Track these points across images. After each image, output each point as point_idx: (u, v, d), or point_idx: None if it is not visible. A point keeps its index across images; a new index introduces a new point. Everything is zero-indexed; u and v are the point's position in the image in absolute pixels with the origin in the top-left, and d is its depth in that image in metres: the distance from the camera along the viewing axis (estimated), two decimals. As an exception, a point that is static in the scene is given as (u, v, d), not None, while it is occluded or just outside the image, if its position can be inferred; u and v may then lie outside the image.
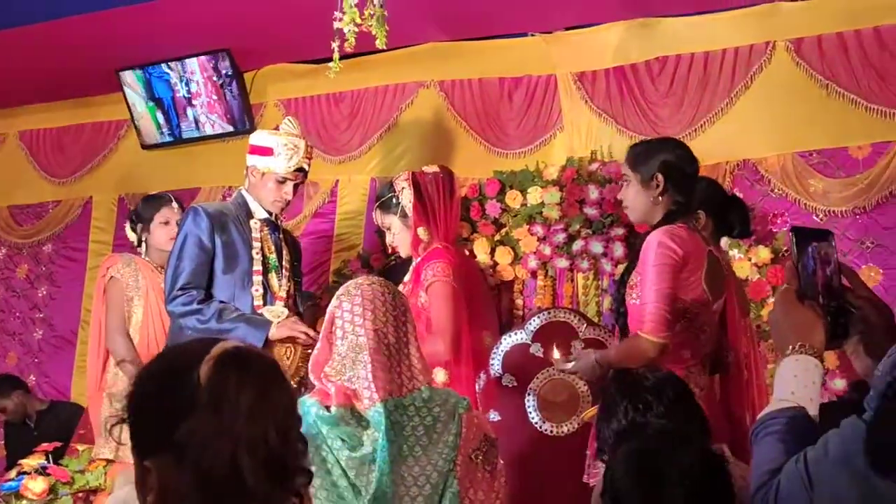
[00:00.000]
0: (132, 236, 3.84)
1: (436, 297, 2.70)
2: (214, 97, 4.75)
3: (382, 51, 3.91)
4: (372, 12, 2.47)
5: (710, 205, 2.76)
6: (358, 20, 2.46)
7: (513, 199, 4.08)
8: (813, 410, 1.24)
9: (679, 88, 3.93)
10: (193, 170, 4.94)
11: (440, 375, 2.81)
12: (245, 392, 1.10)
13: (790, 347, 1.28)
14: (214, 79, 4.70)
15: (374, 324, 2.04)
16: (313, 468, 1.88)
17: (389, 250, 3.09)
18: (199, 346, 1.16)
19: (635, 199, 2.62)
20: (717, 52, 3.87)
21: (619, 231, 3.83)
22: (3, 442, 4.86)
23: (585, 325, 3.55)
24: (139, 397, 1.17)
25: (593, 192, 3.90)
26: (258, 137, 3.19)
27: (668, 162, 2.58)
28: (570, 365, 2.67)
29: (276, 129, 3.21)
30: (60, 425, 4.47)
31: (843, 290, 1.35)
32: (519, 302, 4.12)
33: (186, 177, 4.91)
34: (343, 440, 1.95)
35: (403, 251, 2.99)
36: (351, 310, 2.06)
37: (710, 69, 3.87)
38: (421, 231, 2.85)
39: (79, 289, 5.12)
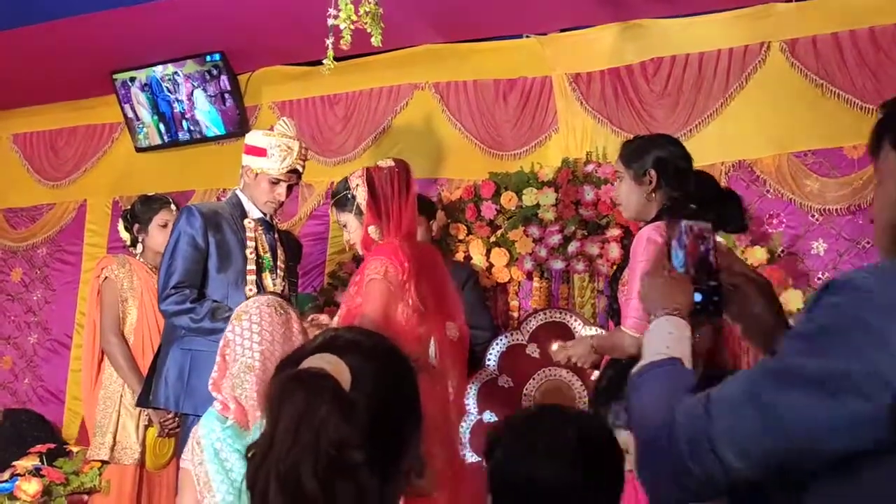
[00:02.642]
0: (126, 236, 3.82)
1: (367, 295, 2.61)
2: (208, 100, 4.75)
3: (377, 52, 3.94)
4: (367, 10, 2.47)
5: (704, 200, 2.75)
6: (353, 17, 2.45)
7: (508, 200, 4.07)
8: (688, 365, 1.27)
9: (674, 89, 3.93)
10: (187, 172, 4.93)
11: None
12: None
13: (660, 310, 1.34)
14: (208, 81, 4.69)
15: (261, 345, 2.14)
16: (212, 466, 1.96)
17: (347, 248, 3.01)
18: None
19: (628, 196, 2.62)
20: (711, 53, 3.87)
21: (615, 232, 3.83)
22: None
23: (582, 325, 3.54)
24: None
25: (589, 194, 3.90)
26: (253, 138, 3.17)
27: (660, 157, 2.58)
28: (567, 348, 2.67)
29: (271, 129, 3.19)
30: (11, 439, 4.40)
31: (716, 269, 1.39)
32: (514, 303, 4.11)
33: (180, 179, 4.90)
34: (239, 451, 2.02)
35: (359, 249, 2.90)
36: (241, 333, 2.17)
37: (705, 70, 3.87)
38: (372, 229, 2.75)
39: (73, 292, 5.10)
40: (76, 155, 5.24)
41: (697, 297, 1.37)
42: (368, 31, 2.50)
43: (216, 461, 1.98)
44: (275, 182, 3.12)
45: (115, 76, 4.81)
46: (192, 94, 4.74)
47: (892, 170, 1.20)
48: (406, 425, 1.16)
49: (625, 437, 1.55)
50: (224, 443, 2.01)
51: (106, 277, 3.69)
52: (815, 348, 1.02)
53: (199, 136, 4.83)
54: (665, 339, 1.29)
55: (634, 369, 1.28)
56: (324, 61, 2.65)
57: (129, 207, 3.87)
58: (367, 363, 1.12)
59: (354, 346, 1.15)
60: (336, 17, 2.47)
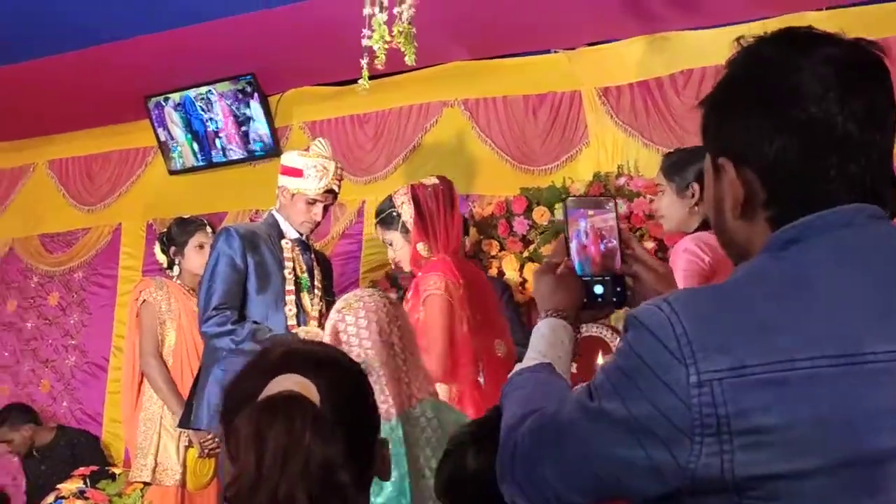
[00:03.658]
0: (162, 258, 3.85)
1: (428, 311, 2.65)
2: (240, 121, 4.80)
3: (406, 71, 3.97)
4: (400, 30, 2.49)
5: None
6: (387, 38, 2.48)
7: (540, 215, 4.08)
8: (562, 367, 1.24)
9: (705, 101, 3.91)
10: (220, 194, 4.98)
11: (442, 392, 2.77)
12: None
13: (543, 313, 1.30)
14: (240, 103, 4.75)
15: (381, 335, 2.05)
16: None
17: (392, 266, 3.04)
18: None
19: (670, 209, 2.60)
20: (742, 64, 3.85)
21: (649, 245, 3.82)
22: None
23: (618, 338, 3.53)
24: None
25: (621, 207, 3.89)
26: (289, 158, 3.21)
27: (702, 170, 2.55)
28: None
29: (307, 150, 3.23)
30: (65, 459, 4.45)
31: (619, 260, 1.34)
32: (548, 318, 4.10)
33: (213, 201, 4.94)
34: None
35: (406, 266, 2.94)
36: (356, 322, 2.06)
37: (736, 81, 3.85)
38: (420, 246, 2.80)
39: (110, 315, 5.15)
40: (111, 179, 5.31)
41: (598, 289, 1.32)
42: (402, 50, 2.52)
43: None
44: (311, 202, 3.15)
45: (150, 99, 4.88)
46: (224, 116, 4.79)
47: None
48: (372, 430, 1.15)
49: None
50: None
51: (144, 300, 3.73)
52: (615, 389, 0.98)
53: (232, 156, 4.88)
54: (538, 343, 1.26)
55: (510, 375, 1.27)
56: (359, 81, 2.67)
57: (165, 230, 3.90)
58: (329, 376, 1.09)
59: (312, 360, 1.12)
60: (370, 37, 2.49)
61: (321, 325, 3.12)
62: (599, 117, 4.15)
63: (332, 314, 2.13)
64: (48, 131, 5.36)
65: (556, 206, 4.04)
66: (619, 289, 1.33)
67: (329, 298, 3.35)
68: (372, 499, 1.93)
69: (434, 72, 4.44)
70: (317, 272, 3.27)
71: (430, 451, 1.99)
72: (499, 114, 4.38)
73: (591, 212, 1.35)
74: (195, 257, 3.67)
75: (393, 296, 4.13)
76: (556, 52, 4.27)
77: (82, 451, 4.32)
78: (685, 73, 3.97)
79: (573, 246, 1.34)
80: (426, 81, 4.45)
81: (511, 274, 4.07)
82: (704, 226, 2.51)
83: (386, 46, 2.50)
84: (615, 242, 1.34)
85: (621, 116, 4.10)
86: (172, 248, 3.79)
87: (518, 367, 1.26)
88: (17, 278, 5.49)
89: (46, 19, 4.05)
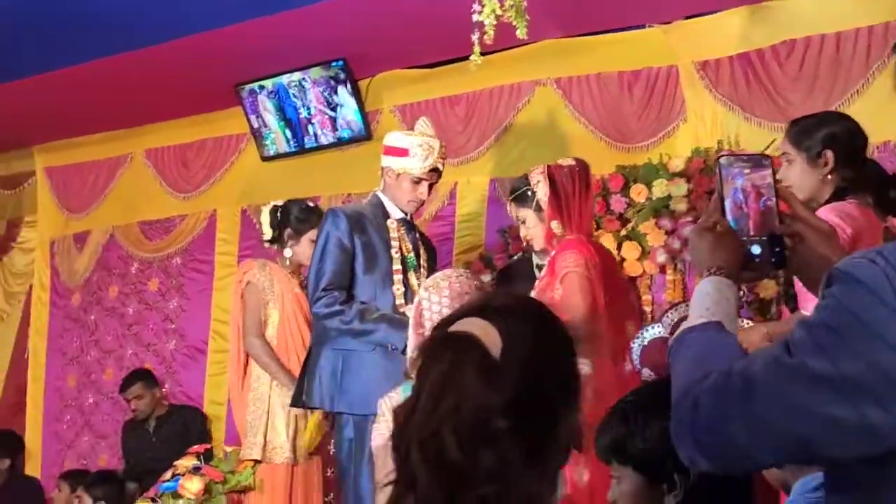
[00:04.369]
0: (268, 231, 3.83)
1: (568, 288, 2.66)
2: (331, 106, 4.84)
3: (497, 51, 3.94)
4: (512, 3, 2.47)
5: (875, 186, 2.63)
6: (498, 11, 2.46)
7: (638, 193, 4.02)
8: (730, 325, 1.19)
9: (809, 72, 3.80)
10: (312, 179, 5.03)
11: (585, 367, 2.76)
12: None
13: (704, 272, 1.26)
14: (332, 88, 4.78)
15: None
16: None
17: (524, 243, 3.08)
18: None
19: (801, 180, 2.48)
20: (849, 32, 3.73)
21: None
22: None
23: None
24: None
25: (722, 183, 3.80)
26: (393, 139, 3.23)
27: (834, 134, 2.45)
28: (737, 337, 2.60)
29: (411, 129, 3.24)
30: (175, 435, 4.58)
31: (777, 219, 1.27)
32: (647, 297, 4.05)
33: (306, 186, 4.99)
34: None
35: (538, 244, 2.98)
36: (439, 301, 2.13)
37: (843, 50, 3.74)
38: (555, 224, 2.83)
39: (207, 300, 5.27)
40: (205, 167, 5.42)
41: (755, 249, 1.27)
42: (513, 24, 2.51)
43: None
44: (417, 181, 3.17)
45: (241, 86, 4.95)
46: (316, 102, 4.84)
47: None
48: (559, 396, 1.10)
49: None
50: None
51: (248, 282, 3.79)
52: (821, 347, 0.95)
53: (324, 141, 4.92)
54: (703, 301, 1.22)
55: (675, 335, 1.24)
56: (470, 57, 2.67)
57: (281, 207, 3.92)
58: (521, 329, 1.07)
59: (508, 310, 1.10)
60: (480, 12, 2.48)
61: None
62: (698, 92, 4.06)
63: (420, 292, 2.21)
64: (144, 121, 5.49)
65: (654, 182, 3.98)
66: (777, 249, 1.28)
67: (434, 278, 3.37)
68: None
69: (525, 51, 4.38)
70: (422, 251, 3.28)
71: None
72: (592, 91, 4.32)
73: (746, 169, 1.30)
74: (309, 249, 3.65)
75: (486, 278, 4.16)
76: (651, 26, 4.19)
77: (193, 428, 4.44)
78: (788, 44, 3.86)
79: (728, 205, 1.29)
80: (517, 61, 4.40)
81: (609, 253, 4.02)
82: (835, 195, 2.42)
83: (495, 21, 2.48)
84: (773, 201, 1.29)
85: (720, 90, 4.01)
86: (287, 231, 3.80)
87: (684, 325, 1.23)
88: (118, 265, 5.65)
89: (142, 11, 4.15)
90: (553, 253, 2.90)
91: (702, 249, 1.28)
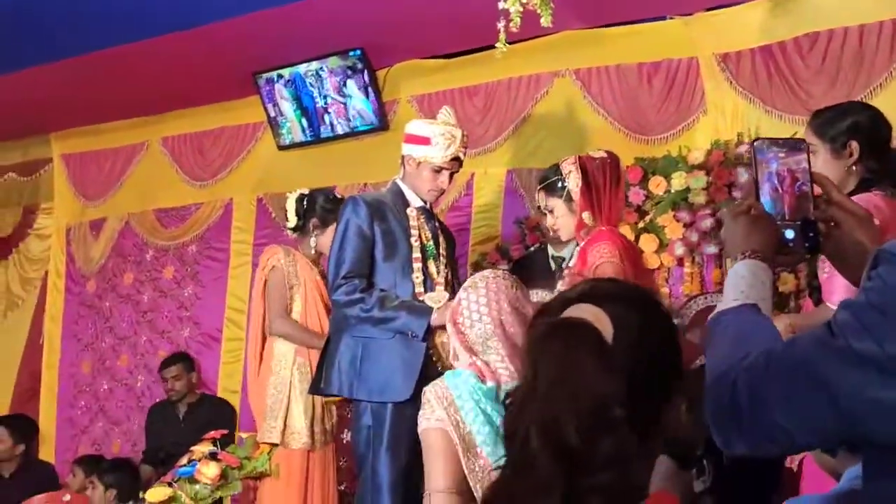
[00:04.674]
0: (293, 219, 3.83)
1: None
2: (348, 96, 4.83)
3: (515, 42, 3.93)
4: (537, -9, 2.46)
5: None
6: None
7: (656, 185, 4.00)
8: (765, 308, 1.19)
9: (832, 65, 3.77)
10: (328, 169, 5.03)
11: None
12: None
13: (738, 255, 1.25)
14: (348, 77, 4.78)
15: (500, 314, 2.21)
16: (477, 426, 2.01)
17: (551, 233, 3.09)
18: None
19: (825, 170, 2.43)
20: (873, 26, 3.69)
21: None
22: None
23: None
24: None
25: (743, 175, 3.78)
26: (415, 127, 3.22)
27: (859, 124, 2.43)
28: None
29: (434, 118, 3.23)
30: (205, 423, 4.58)
31: (812, 204, 1.27)
32: (664, 290, 4.03)
33: (322, 176, 4.98)
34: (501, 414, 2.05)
35: (565, 234, 2.98)
36: (477, 300, 2.22)
37: (866, 44, 3.70)
38: (586, 216, 2.86)
39: (222, 288, 5.28)
40: (221, 155, 5.42)
41: (789, 233, 1.27)
42: (538, 12, 2.49)
43: (483, 419, 2.04)
44: (438, 170, 3.16)
45: (259, 75, 4.95)
46: (333, 91, 4.83)
47: None
48: (667, 382, 1.11)
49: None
50: (488, 403, 2.07)
51: (274, 266, 3.79)
52: (866, 327, 0.95)
53: (340, 130, 4.92)
54: (738, 283, 1.21)
55: (710, 317, 1.23)
56: (496, 45, 2.66)
57: (307, 195, 3.92)
58: (630, 315, 1.07)
59: (616, 296, 1.11)
60: (506, 0, 2.47)
61: (447, 291, 3.15)
62: (718, 84, 4.04)
63: (460, 292, 2.31)
64: (161, 109, 5.50)
65: (673, 175, 3.96)
66: (811, 234, 1.28)
67: (453, 267, 3.37)
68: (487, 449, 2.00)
69: (545, 41, 4.36)
70: (441, 240, 3.27)
71: None
72: (612, 83, 4.31)
73: (781, 153, 1.30)
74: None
75: (502, 268, 4.15)
76: (671, 18, 4.16)
77: (222, 421, 4.42)
78: (811, 36, 3.83)
79: (763, 189, 1.29)
80: (537, 51, 4.38)
81: (626, 245, 4.01)
82: (860, 186, 2.40)
83: (522, 9, 2.47)
84: (808, 186, 1.29)
85: (741, 82, 3.98)
86: (313, 220, 3.80)
87: (720, 307, 1.22)
88: (133, 252, 5.67)
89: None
90: (582, 244, 2.90)
91: (736, 232, 1.27)
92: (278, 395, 3.60)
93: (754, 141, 1.33)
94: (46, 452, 5.59)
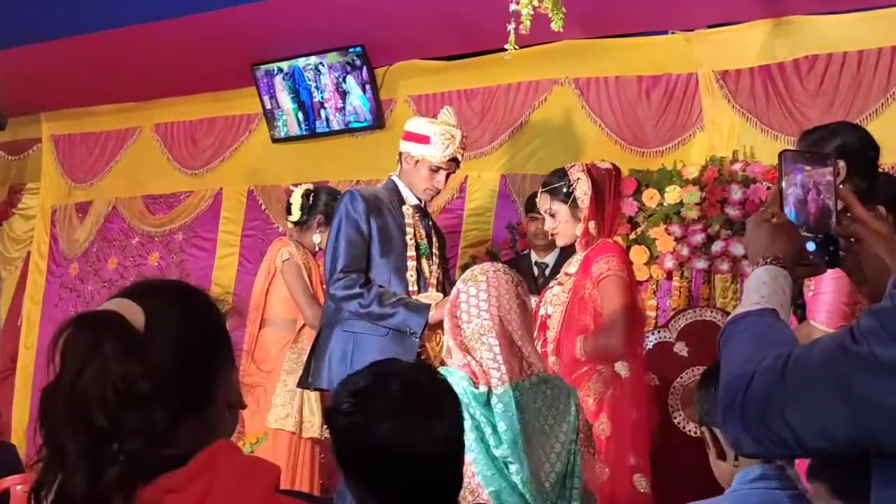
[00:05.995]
0: (297, 213, 3.82)
1: (611, 291, 2.72)
2: (346, 92, 4.82)
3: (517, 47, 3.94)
4: (549, -5, 2.47)
5: (888, 198, 2.64)
6: (535, 2, 2.45)
7: (650, 198, 4.02)
8: (784, 315, 1.21)
9: (829, 88, 3.81)
10: (322, 164, 5.01)
11: (622, 370, 2.80)
12: None
13: (759, 260, 1.27)
14: (346, 74, 4.77)
15: (499, 310, 2.15)
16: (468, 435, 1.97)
17: (549, 235, 3.08)
18: None
19: None
20: (871, 52, 3.74)
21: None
22: None
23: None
24: None
25: (736, 192, 3.81)
26: (415, 125, 3.21)
27: (847, 145, 2.45)
28: None
29: (434, 117, 3.23)
30: None
31: (834, 218, 1.30)
32: (652, 303, 4.05)
33: (315, 170, 4.97)
34: (488, 418, 2.07)
35: (563, 240, 2.98)
36: (476, 294, 2.16)
37: (864, 69, 3.75)
38: (592, 225, 2.86)
39: (207, 278, 5.22)
40: (214, 144, 5.39)
41: (811, 245, 1.29)
42: (549, 16, 2.50)
43: (470, 423, 2.01)
44: (435, 169, 3.16)
45: (258, 66, 4.92)
46: (330, 87, 4.82)
47: None
48: (212, 361, 1.19)
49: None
50: (478, 408, 2.04)
51: (287, 258, 3.78)
52: (891, 335, 0.96)
53: (336, 126, 4.90)
54: (759, 288, 1.23)
55: (727, 320, 1.25)
56: (505, 47, 2.66)
57: (314, 191, 3.90)
58: (167, 306, 1.16)
59: (154, 290, 1.20)
60: (518, 2, 2.47)
61: (439, 292, 3.14)
62: (716, 101, 4.07)
63: (458, 284, 2.25)
64: (155, 95, 5.45)
65: (667, 188, 3.98)
66: (831, 248, 1.30)
67: (445, 267, 3.36)
68: (492, 449, 2.03)
69: (545, 49, 4.38)
70: (434, 240, 3.27)
71: (542, 418, 2.11)
72: (610, 94, 4.32)
73: (808, 166, 1.32)
74: None
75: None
76: (673, 32, 4.19)
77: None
78: (810, 59, 3.87)
79: (788, 199, 1.31)
80: (537, 59, 4.39)
81: (617, 256, 4.02)
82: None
83: (532, 12, 2.48)
84: (832, 200, 1.31)
85: (739, 100, 4.01)
86: (318, 217, 3.79)
87: (739, 309, 1.24)
88: (118, 237, 5.62)
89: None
90: (585, 252, 2.90)
91: (759, 238, 1.29)
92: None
93: (782, 152, 1.34)
94: (20, 434, 5.52)
